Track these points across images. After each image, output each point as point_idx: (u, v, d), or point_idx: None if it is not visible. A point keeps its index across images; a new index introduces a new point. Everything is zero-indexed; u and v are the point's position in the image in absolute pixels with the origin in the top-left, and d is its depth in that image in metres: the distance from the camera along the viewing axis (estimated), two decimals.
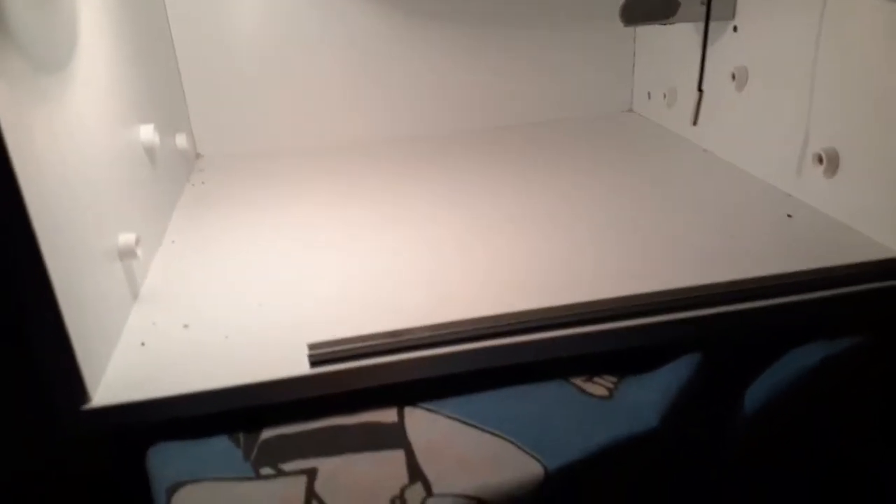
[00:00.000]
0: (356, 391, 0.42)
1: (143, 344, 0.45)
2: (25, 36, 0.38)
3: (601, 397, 0.41)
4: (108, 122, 0.51)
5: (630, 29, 0.85)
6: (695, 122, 0.61)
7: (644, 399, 0.40)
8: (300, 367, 0.41)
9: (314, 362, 0.41)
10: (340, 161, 0.79)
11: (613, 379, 0.43)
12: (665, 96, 0.80)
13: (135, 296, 0.51)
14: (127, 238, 0.48)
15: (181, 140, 0.72)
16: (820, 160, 0.55)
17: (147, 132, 0.58)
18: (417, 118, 0.86)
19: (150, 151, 0.59)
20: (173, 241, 0.60)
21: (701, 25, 0.68)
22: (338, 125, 0.85)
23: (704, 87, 0.63)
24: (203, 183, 0.74)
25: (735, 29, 0.65)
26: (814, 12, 0.55)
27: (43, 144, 0.38)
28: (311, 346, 0.42)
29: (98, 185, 0.46)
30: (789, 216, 0.57)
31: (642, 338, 0.44)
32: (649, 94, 0.85)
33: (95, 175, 0.46)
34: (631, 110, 0.90)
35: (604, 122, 0.88)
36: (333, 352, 0.41)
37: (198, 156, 0.82)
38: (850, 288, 0.46)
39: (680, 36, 0.74)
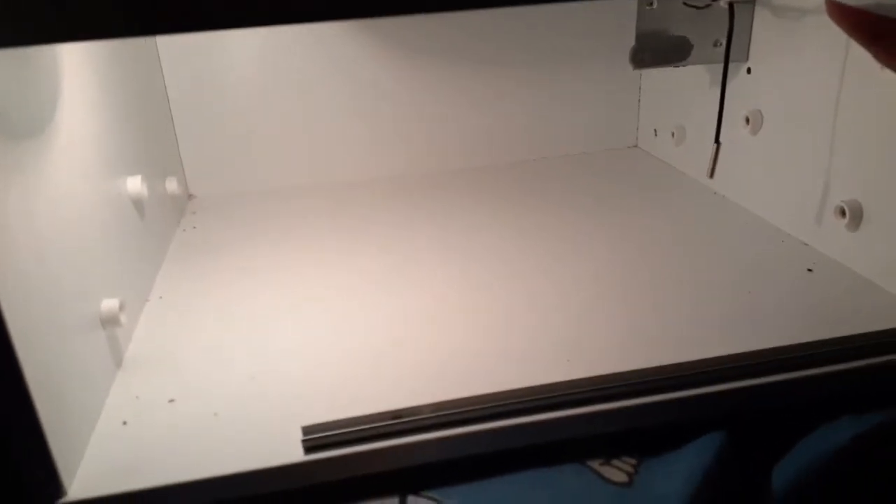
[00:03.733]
0: (354, 478, 0.39)
1: (124, 423, 0.42)
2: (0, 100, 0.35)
3: (621, 484, 0.38)
4: (92, 181, 0.48)
5: None
6: (711, 175, 0.58)
7: (666, 489, 0.37)
8: (294, 451, 0.38)
9: (309, 448, 0.38)
10: (336, 201, 0.76)
11: (632, 461, 0.40)
12: (674, 135, 0.77)
13: (118, 363, 0.47)
14: (110, 304, 0.45)
15: (172, 184, 0.69)
16: (843, 213, 0.52)
17: (135, 184, 0.55)
18: (417, 156, 0.83)
19: (137, 204, 0.56)
20: (161, 297, 0.57)
21: (711, 65, 0.66)
22: (336, 163, 0.82)
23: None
24: (195, 227, 0.71)
25: (749, 71, 0.63)
26: (837, 53, 0.52)
27: (16, 220, 0.35)
28: (306, 430, 0.38)
29: (79, 251, 0.43)
30: (810, 270, 0.54)
31: (663, 415, 0.41)
32: (656, 131, 0.82)
33: (77, 240, 0.43)
34: (636, 146, 0.88)
35: (610, 159, 0.85)
36: (329, 436, 0.38)
37: (190, 196, 0.79)
38: (882, 358, 0.43)
39: (688, 72, 0.71)
